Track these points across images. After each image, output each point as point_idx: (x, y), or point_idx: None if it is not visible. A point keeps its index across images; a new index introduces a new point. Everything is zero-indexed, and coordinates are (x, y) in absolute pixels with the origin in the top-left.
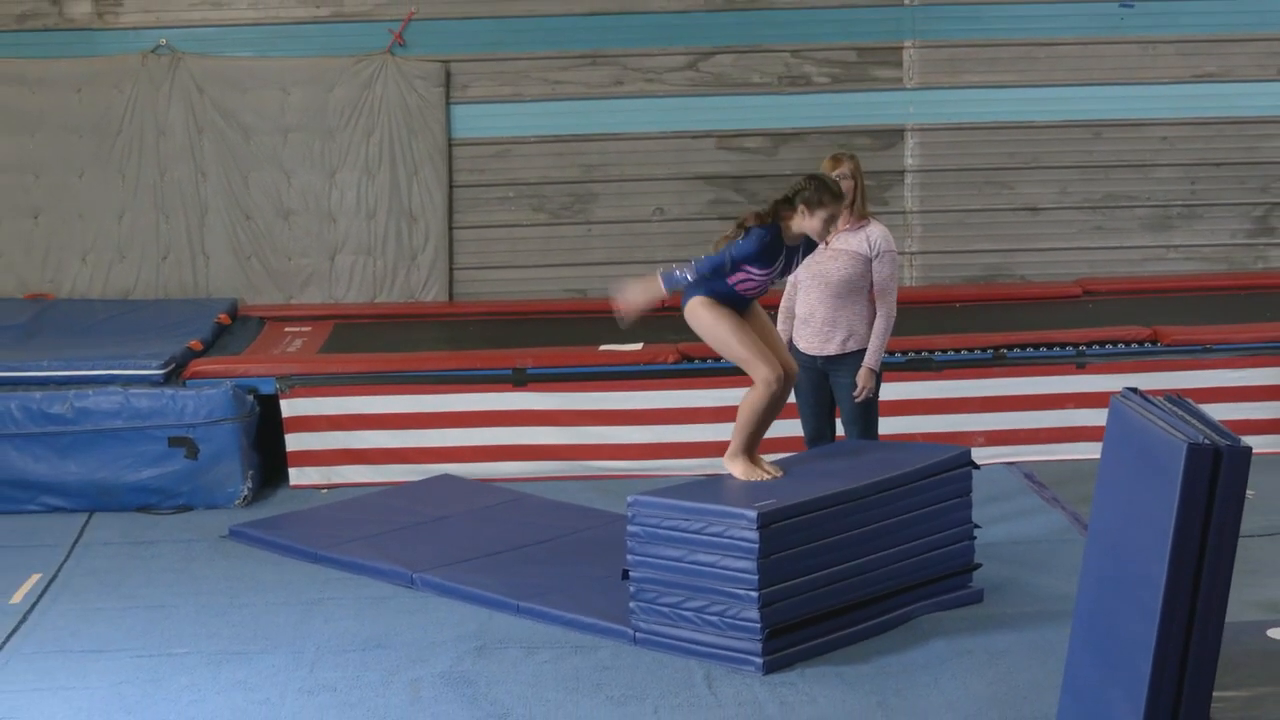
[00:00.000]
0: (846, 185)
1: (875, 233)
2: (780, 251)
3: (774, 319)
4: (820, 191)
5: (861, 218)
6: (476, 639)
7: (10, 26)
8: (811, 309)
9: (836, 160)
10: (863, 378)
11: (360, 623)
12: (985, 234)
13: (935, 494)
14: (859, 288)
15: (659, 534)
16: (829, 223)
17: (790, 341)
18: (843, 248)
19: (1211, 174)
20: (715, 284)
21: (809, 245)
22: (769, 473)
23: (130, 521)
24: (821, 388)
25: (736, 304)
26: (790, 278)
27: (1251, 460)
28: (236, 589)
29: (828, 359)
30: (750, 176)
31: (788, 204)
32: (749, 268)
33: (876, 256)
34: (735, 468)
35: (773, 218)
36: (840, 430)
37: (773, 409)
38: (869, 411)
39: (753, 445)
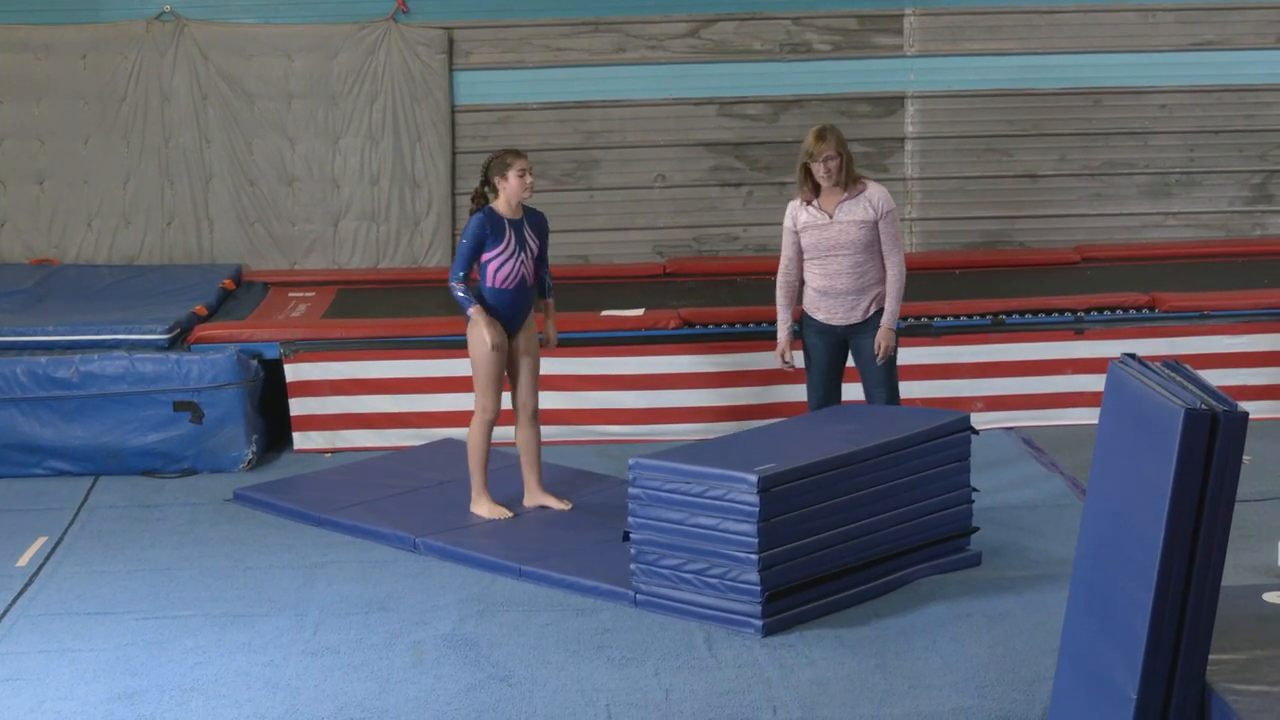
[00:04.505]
0: (833, 165)
1: (875, 194)
2: (504, 227)
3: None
4: (501, 158)
5: (855, 183)
6: (479, 602)
7: None
8: (832, 281)
9: (821, 137)
10: (884, 337)
11: (363, 586)
12: (985, 201)
13: (934, 458)
14: (875, 252)
15: (660, 497)
16: (522, 174)
17: (804, 311)
18: (850, 219)
19: (1210, 141)
20: (484, 291)
21: (533, 216)
22: (508, 512)
23: (135, 485)
24: (838, 356)
25: (508, 319)
26: (787, 252)
27: (1248, 426)
28: (240, 552)
29: (850, 326)
30: (752, 143)
31: (486, 186)
32: (488, 253)
33: (883, 217)
34: (480, 510)
35: (480, 204)
36: (844, 397)
37: (489, 440)
38: (893, 373)
39: (485, 484)
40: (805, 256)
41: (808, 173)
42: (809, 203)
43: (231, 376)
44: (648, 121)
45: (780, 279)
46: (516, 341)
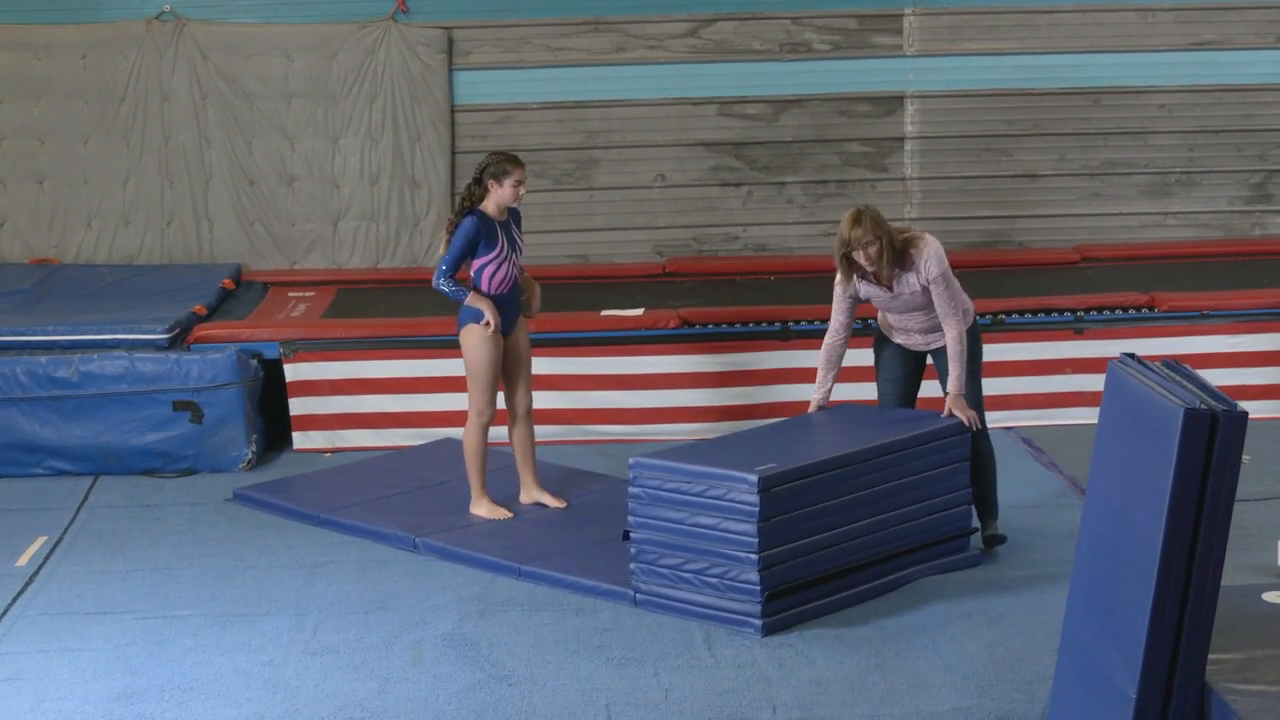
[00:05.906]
0: (873, 251)
1: (923, 261)
2: (495, 230)
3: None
4: (500, 163)
5: (904, 254)
6: (478, 601)
7: None
8: (907, 323)
9: (856, 222)
10: (955, 405)
11: (363, 585)
12: (984, 200)
13: (935, 459)
14: None
15: (660, 496)
16: (518, 185)
17: (884, 336)
18: (912, 290)
19: (1210, 141)
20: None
21: (515, 214)
22: (507, 513)
23: (135, 485)
24: (913, 366)
25: (506, 321)
26: (839, 318)
27: (1247, 425)
28: (240, 552)
29: (930, 350)
30: (751, 143)
31: (478, 185)
32: (482, 258)
33: (931, 282)
34: (480, 511)
35: (471, 205)
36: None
37: (485, 442)
38: (975, 376)
39: (484, 485)
40: (876, 307)
41: (850, 261)
42: (863, 276)
43: (231, 376)
44: (647, 121)
45: (826, 349)
46: (512, 342)
